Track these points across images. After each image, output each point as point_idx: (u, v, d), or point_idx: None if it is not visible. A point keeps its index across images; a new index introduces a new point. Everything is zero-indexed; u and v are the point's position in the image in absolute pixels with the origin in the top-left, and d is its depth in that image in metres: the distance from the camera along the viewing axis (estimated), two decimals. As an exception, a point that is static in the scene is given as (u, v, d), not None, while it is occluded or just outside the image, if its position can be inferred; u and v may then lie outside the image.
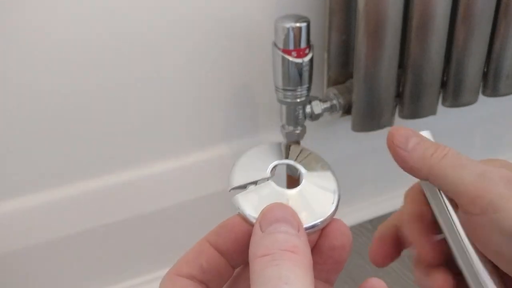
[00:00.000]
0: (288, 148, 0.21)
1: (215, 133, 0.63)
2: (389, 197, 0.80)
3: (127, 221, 0.62)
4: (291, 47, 0.50)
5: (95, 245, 0.62)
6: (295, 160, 0.21)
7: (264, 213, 0.19)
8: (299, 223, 0.19)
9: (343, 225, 0.21)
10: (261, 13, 0.57)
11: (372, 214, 0.77)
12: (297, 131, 0.56)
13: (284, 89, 0.52)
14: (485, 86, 0.65)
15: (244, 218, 0.19)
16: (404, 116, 0.62)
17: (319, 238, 0.20)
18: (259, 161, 0.20)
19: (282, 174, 0.62)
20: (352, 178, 0.75)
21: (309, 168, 0.21)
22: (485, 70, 0.63)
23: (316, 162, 0.21)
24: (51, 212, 0.58)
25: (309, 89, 0.53)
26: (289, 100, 0.53)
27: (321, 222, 0.19)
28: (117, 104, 0.56)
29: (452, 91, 0.62)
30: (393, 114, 0.61)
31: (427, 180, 0.23)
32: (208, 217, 0.68)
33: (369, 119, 0.59)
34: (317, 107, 0.57)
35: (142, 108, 0.57)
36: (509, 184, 0.21)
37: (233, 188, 0.20)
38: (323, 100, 0.58)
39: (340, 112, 0.59)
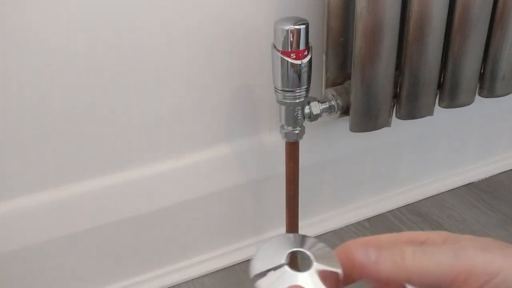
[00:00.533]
0: (303, 238, 0.25)
1: (215, 133, 0.63)
2: (386, 196, 0.80)
3: (127, 221, 0.62)
4: (290, 49, 0.50)
5: (95, 245, 0.62)
6: (309, 249, 0.24)
7: None
8: None
9: None
10: (260, 15, 0.57)
11: (369, 212, 0.78)
12: (296, 131, 0.57)
13: (283, 90, 0.53)
14: (481, 87, 0.65)
15: None
16: (401, 116, 0.63)
17: None
18: (277, 250, 0.24)
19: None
20: (350, 177, 0.76)
21: (318, 255, 0.24)
22: (481, 71, 0.64)
23: (326, 252, 0.24)
24: (51, 212, 0.58)
25: (308, 90, 0.54)
26: (288, 101, 0.53)
27: None
28: (118, 104, 0.56)
29: (449, 92, 0.63)
30: (390, 115, 0.62)
31: (408, 282, 0.22)
32: (208, 217, 0.69)
33: (367, 119, 0.60)
34: (315, 107, 0.58)
35: (142, 109, 0.58)
36: (483, 249, 0.21)
37: (255, 275, 0.23)
38: (321, 101, 0.59)
39: (338, 112, 0.60)
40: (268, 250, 0.24)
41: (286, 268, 0.23)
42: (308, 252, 0.24)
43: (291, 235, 0.25)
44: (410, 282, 0.22)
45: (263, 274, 0.23)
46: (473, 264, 0.21)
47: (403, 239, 0.24)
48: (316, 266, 0.23)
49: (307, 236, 0.25)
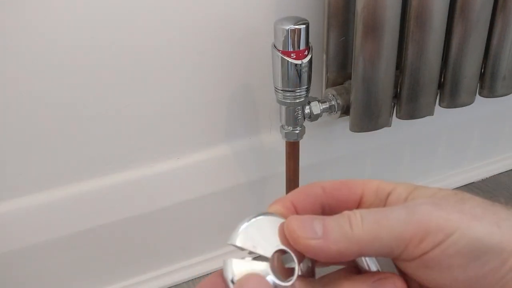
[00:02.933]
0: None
1: (215, 133, 0.63)
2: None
3: (127, 221, 0.62)
4: (290, 48, 0.50)
5: (95, 245, 0.62)
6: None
7: (240, 283, 0.19)
8: None
9: None
10: (261, 15, 0.57)
11: (369, 213, 0.78)
12: (296, 131, 0.57)
13: (284, 90, 0.53)
14: (481, 87, 0.65)
15: (225, 281, 0.19)
16: (401, 116, 0.63)
17: None
18: (269, 235, 0.21)
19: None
20: (350, 177, 0.75)
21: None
22: (482, 71, 0.64)
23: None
24: (51, 212, 0.58)
25: (308, 90, 0.54)
26: (288, 101, 0.53)
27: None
28: (118, 104, 0.56)
29: (449, 92, 0.63)
30: (390, 115, 0.62)
31: (360, 256, 0.20)
32: (208, 217, 0.69)
33: (367, 119, 0.60)
34: (316, 107, 0.58)
35: (142, 109, 0.57)
36: (438, 206, 0.20)
37: (232, 244, 0.20)
38: (322, 101, 0.59)
39: (339, 112, 0.60)
40: (262, 228, 0.21)
41: (268, 267, 0.20)
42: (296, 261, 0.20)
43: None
44: (362, 254, 0.20)
45: (240, 249, 0.20)
46: (429, 223, 0.19)
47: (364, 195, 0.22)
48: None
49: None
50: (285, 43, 0.50)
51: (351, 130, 0.61)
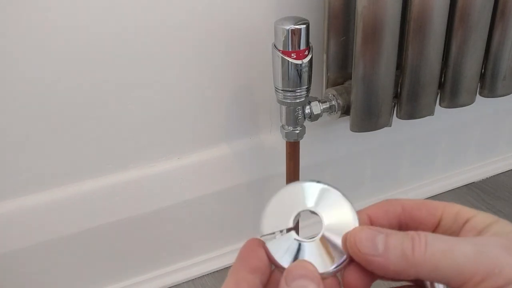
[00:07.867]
0: (321, 191, 0.24)
1: (215, 133, 0.63)
2: (387, 196, 0.80)
3: (127, 221, 0.62)
4: (291, 48, 0.50)
5: (95, 245, 0.62)
6: (317, 206, 0.23)
7: (289, 270, 0.21)
8: (319, 279, 0.21)
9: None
10: (261, 15, 0.57)
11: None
12: (297, 131, 0.57)
13: (284, 90, 0.53)
14: (482, 87, 0.65)
15: (274, 263, 0.22)
16: (401, 116, 0.63)
17: None
18: (285, 208, 0.23)
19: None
20: (350, 177, 0.76)
21: (329, 215, 0.23)
22: (482, 71, 0.64)
23: (338, 206, 0.23)
24: (51, 212, 0.58)
25: (308, 90, 0.54)
26: (288, 101, 0.53)
27: (334, 268, 0.21)
28: (119, 104, 0.56)
29: (450, 91, 0.63)
30: (391, 115, 0.62)
31: (415, 278, 0.21)
32: (208, 217, 0.69)
33: (367, 119, 0.60)
34: (316, 107, 0.58)
35: (143, 109, 0.57)
36: (508, 251, 0.20)
37: (263, 236, 0.22)
38: (322, 101, 0.59)
39: (339, 112, 0.60)
40: (277, 207, 0.23)
41: (292, 233, 0.22)
42: (319, 213, 0.22)
43: (308, 184, 0.24)
44: (419, 278, 0.20)
45: (271, 235, 0.22)
46: (494, 266, 0.19)
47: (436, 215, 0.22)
48: (325, 234, 0.22)
49: (327, 187, 0.23)
50: (285, 43, 0.50)
51: (351, 130, 0.61)
